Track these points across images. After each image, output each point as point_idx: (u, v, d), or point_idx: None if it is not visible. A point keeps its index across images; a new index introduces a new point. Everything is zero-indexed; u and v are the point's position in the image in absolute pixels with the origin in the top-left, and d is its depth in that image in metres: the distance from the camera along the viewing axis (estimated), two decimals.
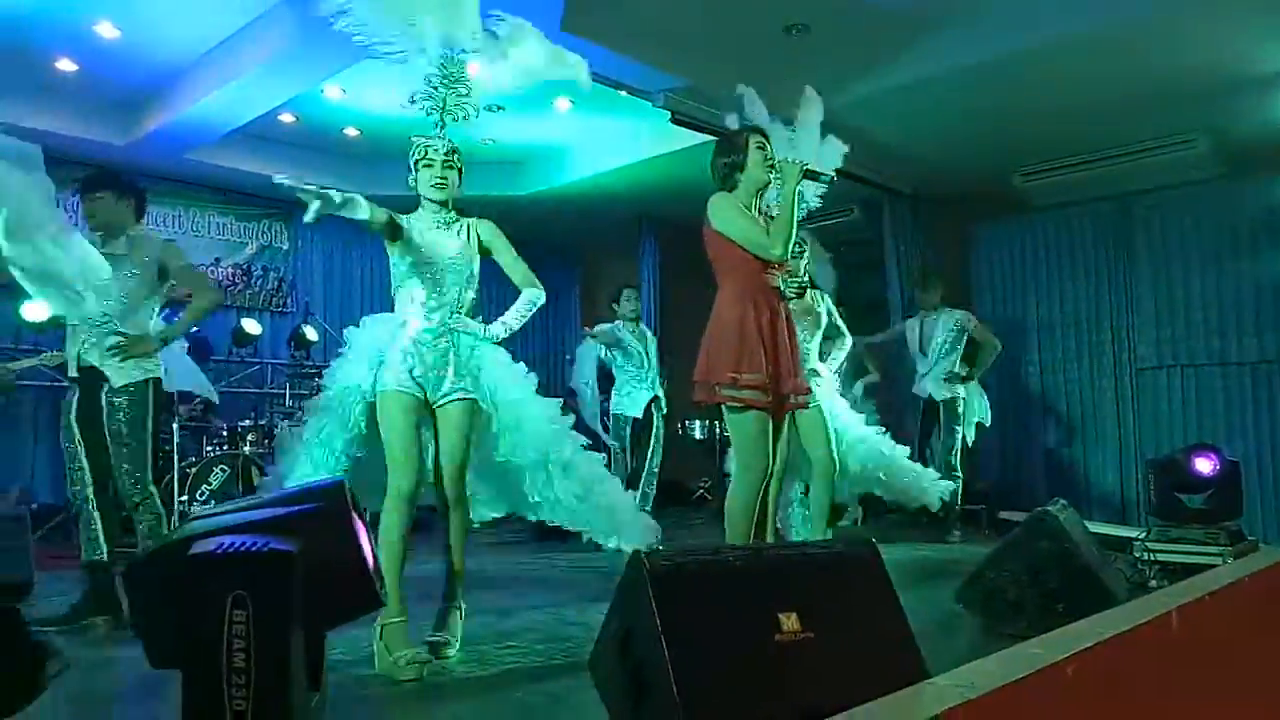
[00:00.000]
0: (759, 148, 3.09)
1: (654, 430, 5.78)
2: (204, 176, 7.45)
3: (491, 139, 7.61)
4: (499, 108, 6.95)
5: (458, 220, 2.93)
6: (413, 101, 2.97)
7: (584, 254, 10.16)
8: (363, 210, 2.66)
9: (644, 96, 5.92)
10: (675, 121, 6.04)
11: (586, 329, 5.79)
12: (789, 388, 2.91)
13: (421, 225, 2.87)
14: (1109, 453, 7.39)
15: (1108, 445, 7.40)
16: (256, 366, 7.74)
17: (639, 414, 5.72)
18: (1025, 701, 1.92)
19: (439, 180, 2.88)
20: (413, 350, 2.78)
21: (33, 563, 4.00)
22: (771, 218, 3.10)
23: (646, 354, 5.81)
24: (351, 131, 7.36)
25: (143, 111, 6.51)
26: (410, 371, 2.72)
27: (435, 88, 2.97)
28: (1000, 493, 7.47)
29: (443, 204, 2.90)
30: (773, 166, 3.09)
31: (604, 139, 7.60)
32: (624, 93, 5.87)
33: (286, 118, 6.88)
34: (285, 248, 8.37)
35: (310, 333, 7.58)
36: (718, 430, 8.49)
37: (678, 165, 7.34)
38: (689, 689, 1.78)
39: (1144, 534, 3.94)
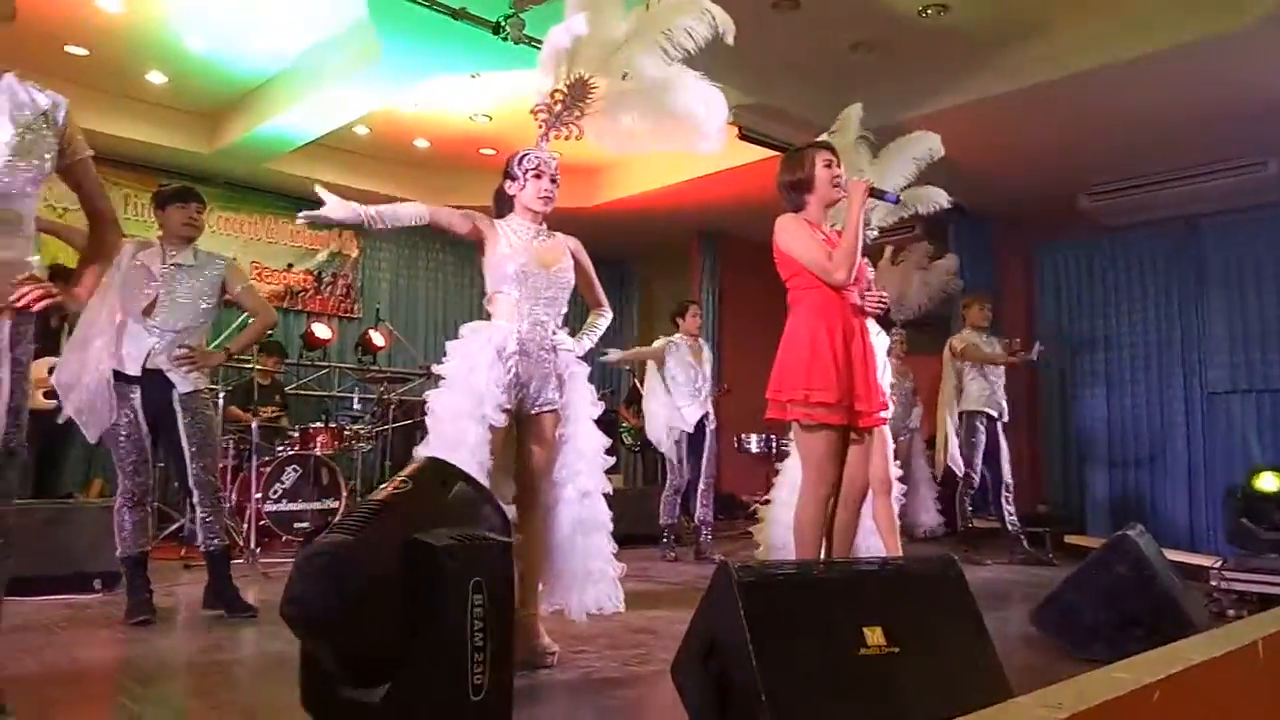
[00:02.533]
0: (826, 165, 3.09)
1: (706, 445, 5.85)
2: (280, 184, 7.68)
3: (558, 153, 7.72)
4: None
5: (551, 234, 2.98)
6: (533, 113, 3.00)
7: (641, 267, 10.23)
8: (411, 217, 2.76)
9: None
10: (742, 137, 6.09)
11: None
12: (864, 405, 2.93)
13: (522, 236, 2.90)
14: (1177, 479, 7.23)
15: (1176, 471, 7.24)
16: (325, 370, 7.94)
17: (690, 429, 5.78)
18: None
19: (547, 193, 2.91)
20: (513, 364, 2.80)
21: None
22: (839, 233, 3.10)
23: (701, 369, 5.87)
24: (421, 143, 7.53)
25: (227, 122, 6.75)
26: (508, 387, 2.74)
27: (560, 101, 2.98)
28: (1063, 517, 7.34)
29: (542, 217, 2.94)
30: (839, 184, 3.09)
31: (666, 153, 7.66)
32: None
33: (360, 129, 7.08)
34: (354, 255, 8.58)
35: (377, 338, 7.74)
36: (773, 444, 8.49)
37: (739, 181, 7.38)
38: (776, 698, 1.81)
39: (1220, 563, 3.87)
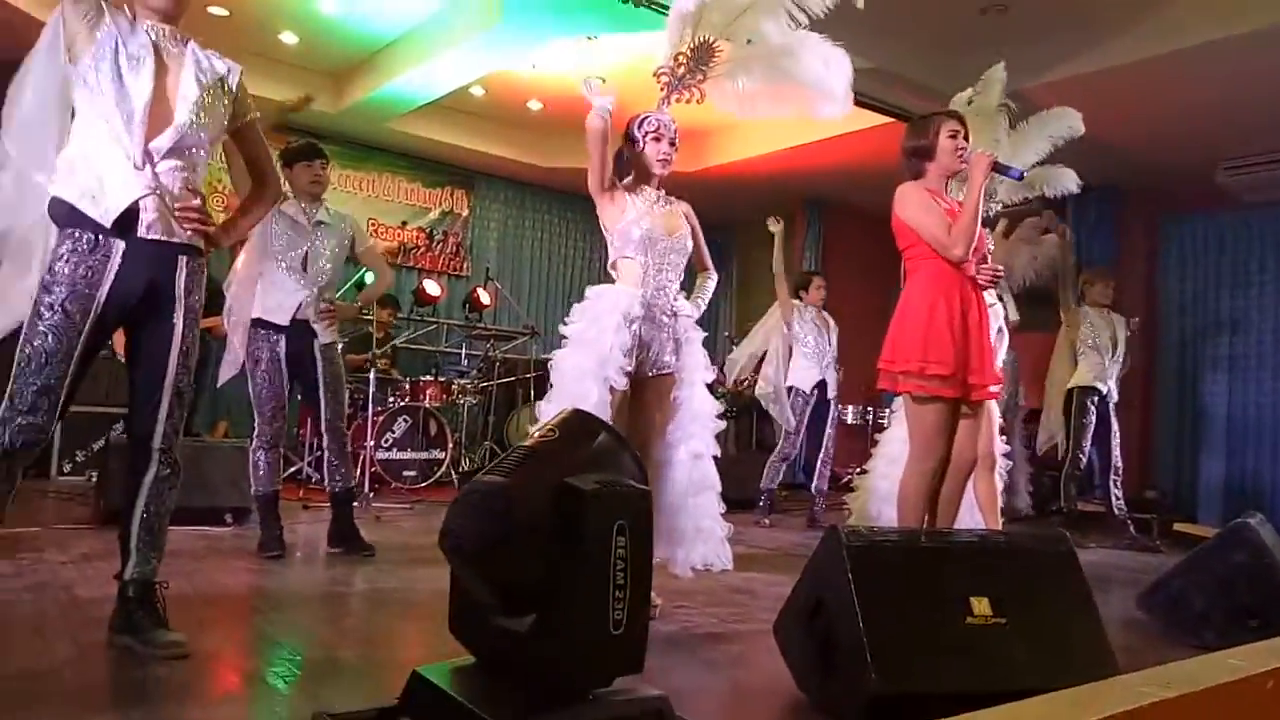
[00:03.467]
0: (951, 135, 3.06)
1: (830, 415, 5.90)
2: (398, 143, 7.94)
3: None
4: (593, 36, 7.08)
5: (669, 199, 3.03)
6: (656, 76, 3.03)
7: (743, 234, 10.18)
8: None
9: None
10: (858, 104, 5.98)
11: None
12: (977, 379, 2.92)
13: (646, 201, 2.96)
14: None
15: None
16: (434, 326, 8.22)
17: (808, 391, 5.81)
18: (1219, 711, 1.92)
19: (665, 155, 2.93)
20: (636, 328, 2.86)
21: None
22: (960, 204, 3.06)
23: (829, 337, 5.91)
24: (535, 105, 7.65)
25: (352, 81, 7.01)
26: (630, 350, 2.82)
27: (683, 64, 2.99)
28: (1172, 504, 7.10)
29: (659, 181, 2.98)
30: (962, 155, 3.06)
31: (774, 118, 7.59)
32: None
33: (477, 90, 7.23)
34: (464, 214, 8.82)
35: (484, 296, 7.97)
36: (869, 417, 8.43)
37: (847, 148, 7.28)
38: (881, 658, 1.87)
39: None
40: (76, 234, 2.12)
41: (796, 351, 5.87)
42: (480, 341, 7.54)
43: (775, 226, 5.82)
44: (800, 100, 3.13)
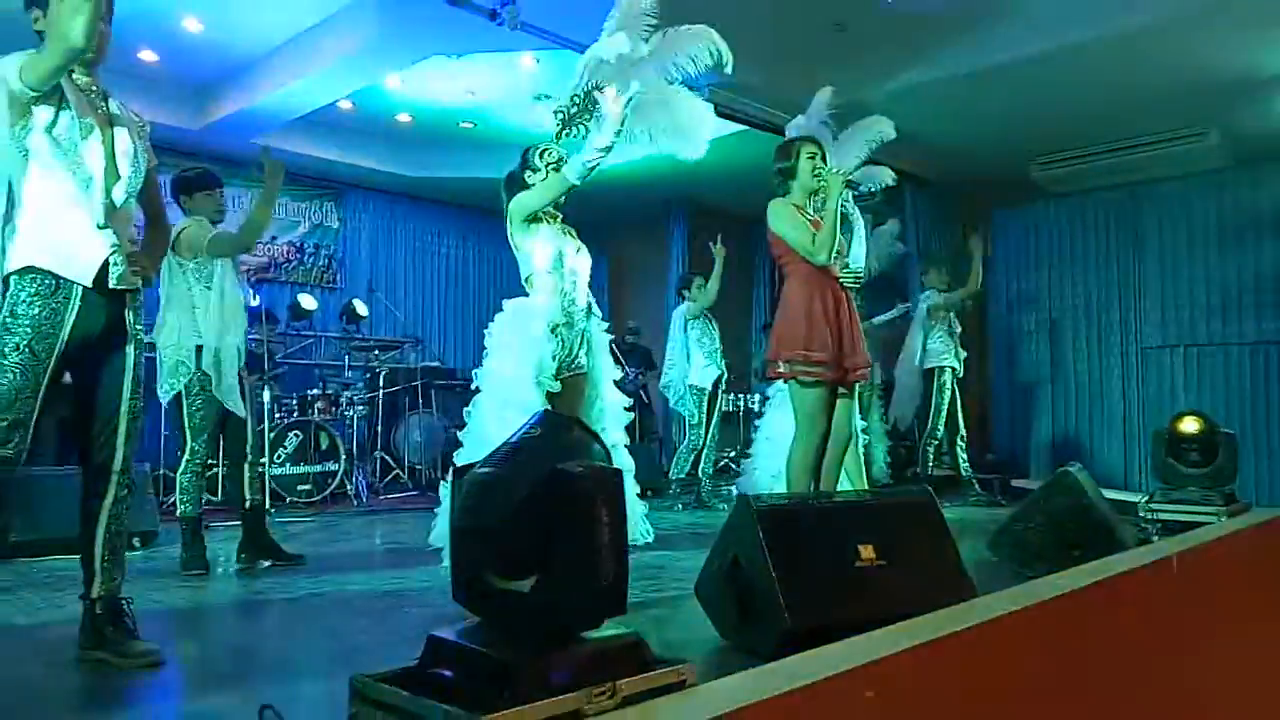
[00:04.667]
0: (809, 157, 3.53)
1: (716, 406, 6.35)
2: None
3: (535, 124, 8.02)
4: (547, 96, 7.40)
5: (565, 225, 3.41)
6: (556, 113, 3.38)
7: (612, 236, 10.57)
8: None
9: (691, 89, 6.32)
10: (720, 114, 6.43)
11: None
12: (851, 363, 3.38)
13: (551, 225, 3.30)
14: (1114, 428, 7.87)
15: (1113, 421, 7.89)
16: (311, 339, 8.19)
17: (709, 388, 6.27)
18: (1052, 618, 2.40)
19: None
20: (557, 335, 3.24)
21: (158, 515, 4.50)
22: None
23: (715, 334, 6.38)
24: (404, 118, 7.77)
25: (216, 99, 6.93)
26: (551, 355, 3.15)
27: (576, 105, 3.35)
28: (1010, 464, 7.95)
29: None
30: (819, 175, 3.52)
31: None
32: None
33: (345, 105, 7.27)
34: (335, 226, 8.81)
35: (360, 307, 8.00)
36: (742, 404, 8.99)
37: (710, 153, 7.73)
38: (791, 600, 2.26)
39: (1148, 497, 4.41)
40: (37, 278, 2.24)
41: (695, 351, 6.29)
42: (360, 353, 7.60)
43: (719, 250, 6.25)
44: (667, 143, 3.56)
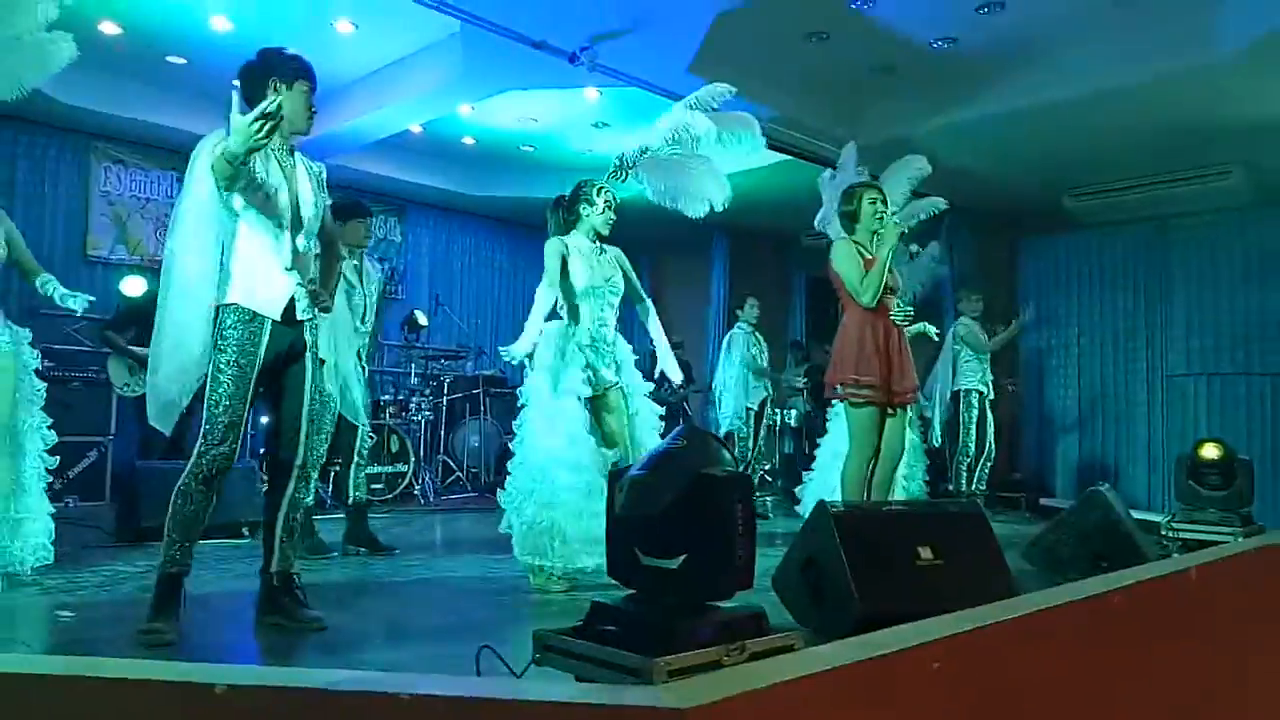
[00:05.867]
0: (871, 202, 3.95)
1: (764, 421, 6.77)
2: (337, 178, 8.36)
3: (589, 149, 8.48)
4: (605, 125, 7.86)
5: (604, 249, 3.86)
6: (617, 168, 3.85)
7: (656, 252, 11.01)
8: None
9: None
10: (771, 147, 6.86)
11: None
12: (900, 387, 3.79)
13: (590, 255, 3.76)
14: (1138, 451, 8.21)
15: (1137, 444, 8.22)
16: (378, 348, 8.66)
17: (756, 407, 6.69)
18: (1082, 617, 2.80)
19: (611, 220, 3.85)
20: (588, 355, 3.67)
21: None
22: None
23: (763, 354, 6.77)
24: (468, 140, 8.25)
25: None
26: (584, 371, 3.59)
27: (628, 163, 3.87)
28: (1035, 483, 8.30)
29: (601, 238, 3.80)
30: (881, 218, 3.93)
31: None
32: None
33: (415, 128, 7.76)
34: (398, 241, 9.30)
35: (421, 317, 8.47)
36: (779, 419, 9.38)
37: (753, 180, 8.16)
38: (862, 589, 2.67)
39: (1170, 517, 4.78)
40: (237, 310, 2.72)
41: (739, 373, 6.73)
42: (423, 361, 8.07)
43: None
44: (688, 201, 4.05)
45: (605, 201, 3.84)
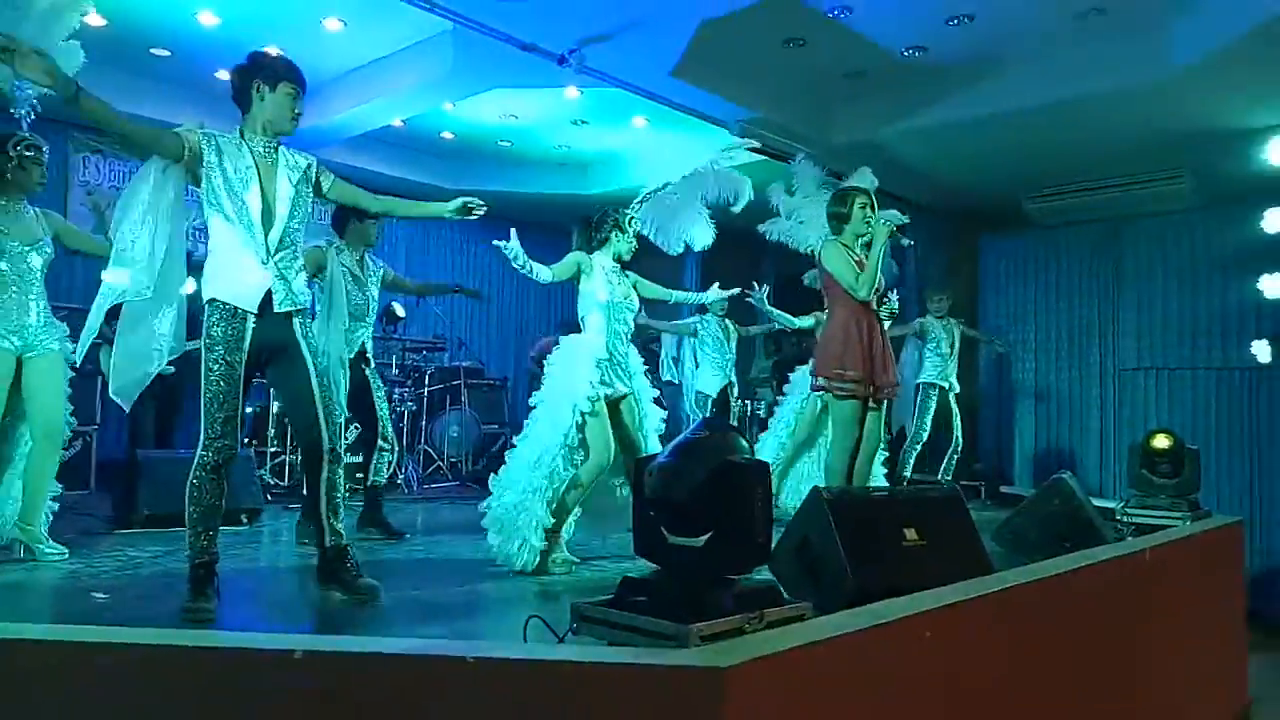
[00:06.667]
0: (861, 206, 4.18)
1: (731, 410, 6.96)
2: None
3: (566, 145, 8.65)
4: (583, 122, 8.02)
5: (627, 274, 4.11)
6: (648, 193, 4.32)
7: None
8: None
9: (722, 125, 6.99)
10: (749, 149, 7.09)
11: None
12: (881, 381, 4.03)
13: (612, 274, 4.00)
14: (1092, 441, 8.62)
15: (1090, 435, 8.64)
16: None
17: (715, 393, 6.87)
18: (1049, 591, 3.08)
19: (634, 248, 4.12)
20: (604, 367, 3.88)
21: (262, 493, 5.09)
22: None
23: (729, 344, 6.95)
24: (447, 135, 8.36)
25: None
26: (590, 385, 3.78)
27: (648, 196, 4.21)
28: (995, 473, 8.67)
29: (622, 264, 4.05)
30: (869, 222, 4.17)
31: (668, 153, 8.64)
32: (707, 121, 6.95)
33: (396, 122, 7.86)
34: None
35: (399, 309, 8.57)
36: (748, 410, 9.65)
37: None
38: (855, 567, 2.90)
39: (1124, 503, 5.10)
40: (219, 306, 2.88)
41: (702, 360, 6.92)
42: (405, 352, 8.18)
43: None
44: (668, 239, 4.49)
45: (635, 231, 4.14)
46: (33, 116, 3.19)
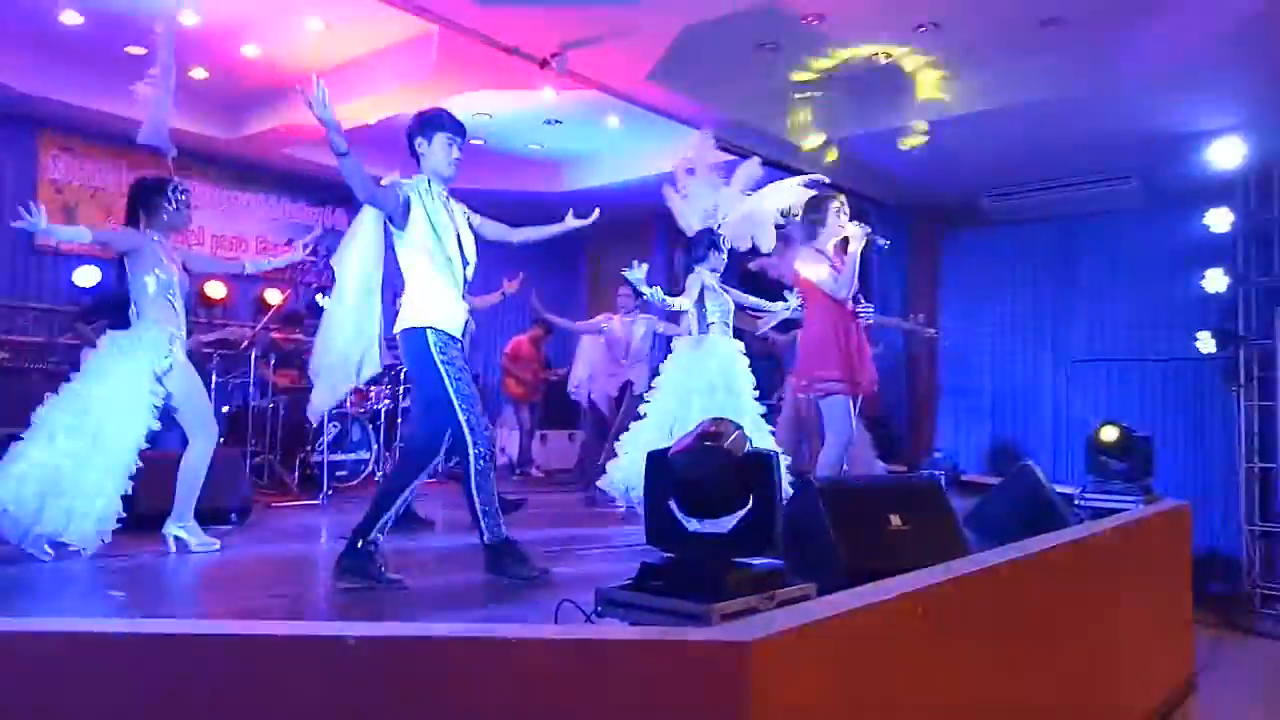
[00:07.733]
0: (836, 212, 4.39)
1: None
2: (287, 168, 8.46)
3: (539, 144, 8.76)
4: (557, 122, 8.15)
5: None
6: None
7: (595, 238, 11.33)
8: None
9: (694, 126, 7.16)
10: (718, 147, 7.28)
11: None
12: (863, 378, 4.25)
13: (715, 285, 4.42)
14: (1045, 430, 8.99)
15: (1045, 424, 9.01)
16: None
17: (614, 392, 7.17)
18: (1029, 569, 3.32)
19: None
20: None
21: (251, 490, 5.17)
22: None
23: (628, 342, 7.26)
24: None
25: (258, 113, 7.51)
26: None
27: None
28: (955, 463, 9.00)
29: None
30: (843, 226, 4.38)
31: (637, 154, 8.80)
32: (678, 123, 7.12)
33: (370, 121, 7.89)
34: (343, 230, 9.39)
35: None
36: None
37: None
38: (845, 550, 3.11)
39: (1081, 489, 5.40)
40: (442, 334, 3.28)
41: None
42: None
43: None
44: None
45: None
46: (175, 153, 4.04)
